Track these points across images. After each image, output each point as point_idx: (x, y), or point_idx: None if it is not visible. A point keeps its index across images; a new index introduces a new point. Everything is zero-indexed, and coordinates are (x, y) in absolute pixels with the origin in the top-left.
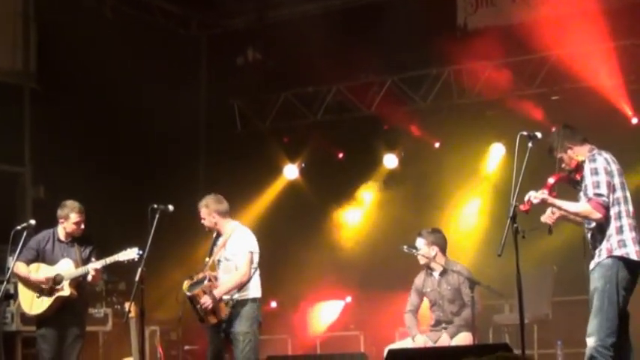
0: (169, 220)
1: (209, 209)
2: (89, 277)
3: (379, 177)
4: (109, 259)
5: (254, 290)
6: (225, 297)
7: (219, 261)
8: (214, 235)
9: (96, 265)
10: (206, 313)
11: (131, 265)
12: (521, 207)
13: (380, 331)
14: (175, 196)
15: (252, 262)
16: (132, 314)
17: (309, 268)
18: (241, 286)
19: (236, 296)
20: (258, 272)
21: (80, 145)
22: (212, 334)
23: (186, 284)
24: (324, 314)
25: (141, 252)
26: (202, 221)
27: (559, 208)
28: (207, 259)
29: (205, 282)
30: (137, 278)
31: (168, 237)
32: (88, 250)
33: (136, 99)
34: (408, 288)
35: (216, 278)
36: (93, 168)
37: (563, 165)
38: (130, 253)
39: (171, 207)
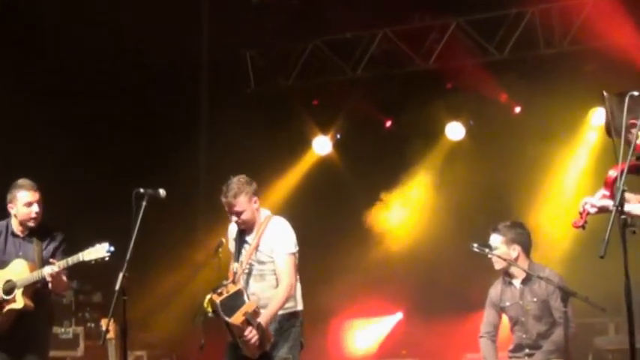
0: (160, 208)
1: (248, 195)
2: (49, 285)
3: (439, 152)
4: (72, 259)
5: (299, 301)
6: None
7: (247, 266)
8: (232, 228)
9: (53, 267)
10: (250, 348)
11: (106, 268)
12: (574, 222)
13: (441, 358)
14: (169, 178)
15: (295, 265)
16: (110, 334)
17: (344, 273)
18: (287, 300)
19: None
20: (298, 277)
21: (42, 108)
22: (231, 354)
23: (210, 300)
24: (365, 336)
25: (112, 249)
26: (238, 217)
27: (632, 217)
28: (234, 264)
29: (245, 299)
30: (117, 287)
31: (160, 231)
32: (52, 247)
33: (116, 46)
34: (478, 301)
35: (257, 308)
36: (60, 140)
37: None
38: (99, 251)
39: (162, 191)
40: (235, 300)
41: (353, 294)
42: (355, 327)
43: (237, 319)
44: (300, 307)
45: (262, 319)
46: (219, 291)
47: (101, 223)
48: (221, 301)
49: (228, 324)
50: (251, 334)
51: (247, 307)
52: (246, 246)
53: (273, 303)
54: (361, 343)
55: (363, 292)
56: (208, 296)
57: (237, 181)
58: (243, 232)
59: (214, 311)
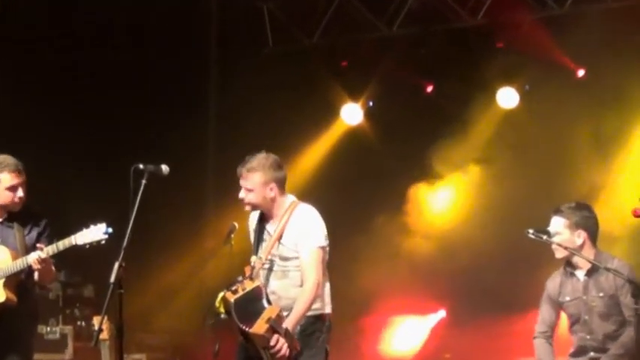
0: (163, 187)
1: (266, 176)
2: (35, 275)
3: (489, 122)
4: (62, 244)
5: (326, 301)
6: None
7: (268, 260)
8: (253, 216)
9: (40, 253)
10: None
11: (99, 257)
12: (635, 210)
13: None
14: (173, 153)
15: (324, 260)
16: (104, 335)
17: (378, 264)
18: (314, 301)
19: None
20: (327, 274)
21: (23, 75)
22: (242, 356)
23: (223, 299)
24: (404, 336)
25: (110, 230)
26: (245, 195)
27: None
28: (253, 257)
29: (263, 302)
30: (112, 278)
31: (163, 214)
32: (35, 233)
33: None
34: (534, 297)
35: (280, 311)
36: (50, 108)
37: None
38: (95, 233)
39: (165, 168)
40: (252, 302)
41: (389, 288)
42: (392, 326)
43: (259, 327)
44: (327, 309)
45: (288, 324)
46: (233, 288)
47: (95, 205)
48: (235, 301)
49: (244, 332)
50: (279, 344)
51: (270, 311)
52: (267, 237)
53: (298, 304)
54: (399, 344)
55: (400, 286)
56: (221, 294)
57: (262, 158)
58: (264, 220)
59: (227, 312)
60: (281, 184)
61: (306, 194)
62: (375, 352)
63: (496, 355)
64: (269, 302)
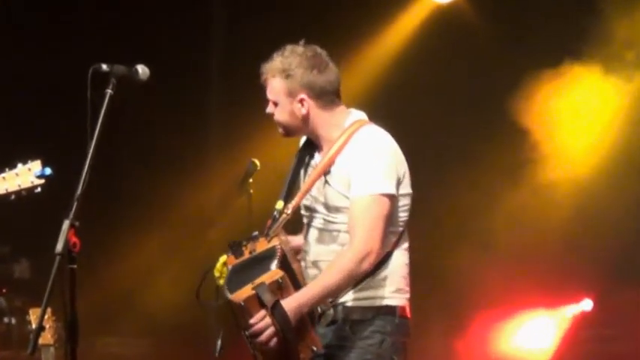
0: (143, 104)
1: (292, 82)
2: None
3: None
4: None
5: (391, 286)
6: (322, 306)
7: (307, 209)
8: (302, 142)
9: None
10: (265, 354)
11: (40, 215)
12: None
13: None
14: (161, 57)
15: (385, 217)
16: (46, 337)
17: (484, 228)
18: (356, 279)
19: (349, 300)
20: (405, 244)
21: None
22: None
23: (224, 263)
24: (532, 336)
25: (48, 171)
26: (273, 109)
27: None
28: (279, 203)
29: (272, 265)
30: (59, 248)
31: (144, 146)
32: None
33: None
34: None
35: (297, 268)
36: None
37: None
38: (24, 176)
39: (142, 70)
40: (256, 267)
41: (505, 267)
42: (513, 324)
43: (240, 293)
44: (396, 300)
45: (295, 299)
46: (240, 249)
47: (27, 131)
48: (233, 267)
49: (231, 308)
50: (260, 324)
51: (269, 275)
52: (308, 172)
53: (324, 275)
54: (525, 347)
55: (522, 266)
56: (222, 258)
57: (291, 52)
58: (312, 149)
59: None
60: (320, 95)
61: (372, 107)
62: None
63: None
64: (283, 266)
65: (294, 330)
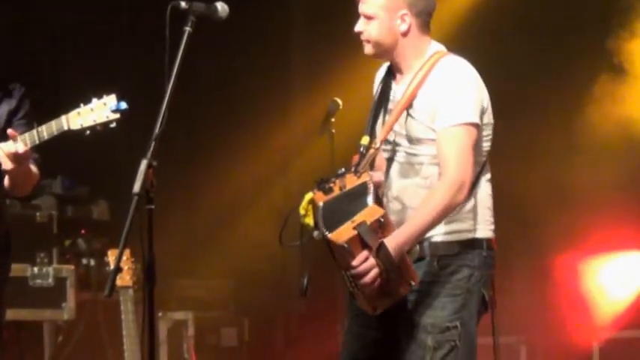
0: (222, 42)
1: None
2: (5, 181)
3: None
4: (49, 128)
5: (477, 218)
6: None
7: (389, 143)
8: (379, 75)
9: (17, 145)
10: (364, 295)
11: (118, 153)
12: None
13: None
14: None
15: (473, 147)
16: (124, 279)
17: (567, 167)
18: (452, 212)
19: (435, 235)
20: (488, 174)
21: None
22: (356, 329)
23: (311, 202)
24: (617, 281)
25: (124, 105)
26: (364, 26)
27: None
28: (364, 138)
29: (368, 200)
30: (137, 188)
31: (224, 83)
32: (5, 108)
33: None
34: None
35: (380, 208)
36: None
37: None
38: (100, 110)
39: (221, 6)
40: (351, 203)
41: (589, 205)
42: (598, 267)
43: (342, 233)
44: (483, 232)
45: (395, 238)
46: (328, 186)
47: (107, 65)
48: (325, 203)
49: (329, 246)
50: (364, 265)
51: (368, 213)
52: (391, 107)
53: (421, 210)
54: (610, 292)
55: (607, 202)
56: (308, 196)
57: None
58: (392, 78)
59: (315, 222)
60: (419, 15)
61: (458, 45)
62: (575, 306)
63: None
64: (379, 202)
65: (397, 268)
